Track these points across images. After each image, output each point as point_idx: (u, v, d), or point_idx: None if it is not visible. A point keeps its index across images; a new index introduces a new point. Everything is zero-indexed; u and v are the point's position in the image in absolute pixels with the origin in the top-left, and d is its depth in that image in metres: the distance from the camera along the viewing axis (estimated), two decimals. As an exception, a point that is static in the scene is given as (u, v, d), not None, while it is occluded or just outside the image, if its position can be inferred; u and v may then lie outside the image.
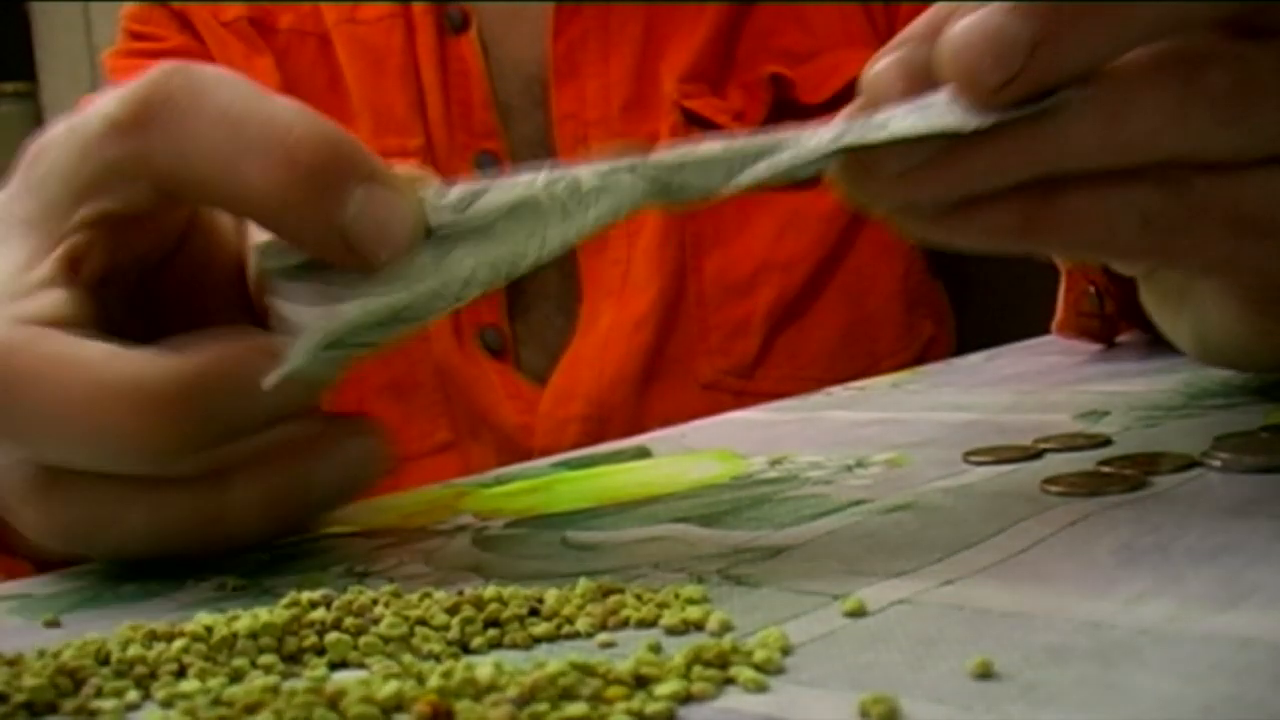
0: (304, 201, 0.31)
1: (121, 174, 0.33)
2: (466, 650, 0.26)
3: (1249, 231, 0.31)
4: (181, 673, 0.25)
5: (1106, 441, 0.36)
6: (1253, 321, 0.37)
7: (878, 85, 0.30)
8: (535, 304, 0.70)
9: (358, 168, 0.31)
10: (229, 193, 0.32)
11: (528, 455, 0.65)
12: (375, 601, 0.27)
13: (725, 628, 0.25)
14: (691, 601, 0.27)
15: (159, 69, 0.33)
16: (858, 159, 0.30)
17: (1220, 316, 0.38)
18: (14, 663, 0.25)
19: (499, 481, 0.43)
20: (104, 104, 0.34)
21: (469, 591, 0.28)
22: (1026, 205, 0.30)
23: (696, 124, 0.68)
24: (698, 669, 0.22)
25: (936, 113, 0.29)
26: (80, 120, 0.34)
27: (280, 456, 0.33)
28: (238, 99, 0.32)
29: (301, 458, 0.34)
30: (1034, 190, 0.30)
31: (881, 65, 0.30)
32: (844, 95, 0.69)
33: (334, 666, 0.26)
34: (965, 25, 0.29)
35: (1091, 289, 0.52)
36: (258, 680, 0.24)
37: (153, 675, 0.25)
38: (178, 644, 0.26)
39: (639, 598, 0.27)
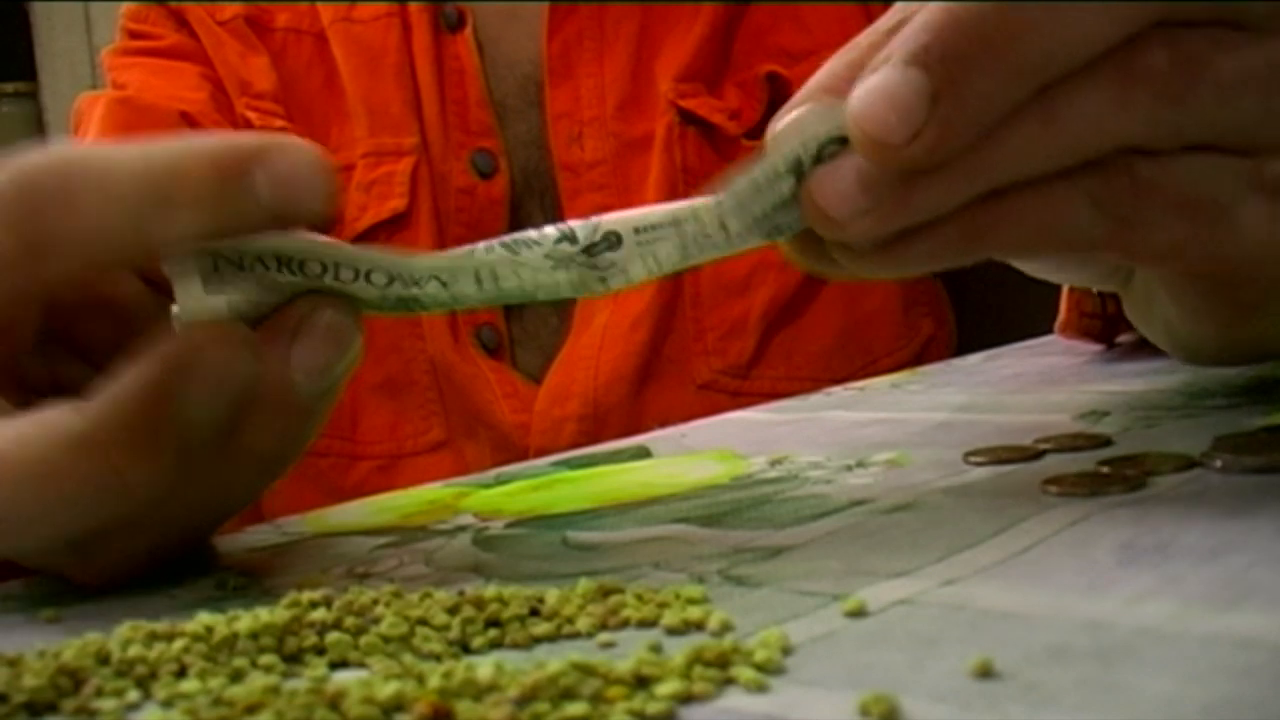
0: (218, 218, 0.31)
1: (13, 305, 0.33)
2: (467, 650, 0.26)
3: (1197, 215, 0.31)
4: (182, 673, 0.25)
5: (1106, 442, 0.36)
6: (1212, 315, 0.37)
7: (777, 144, 0.30)
8: (531, 303, 0.70)
9: (242, 157, 0.31)
10: (151, 252, 0.32)
11: (523, 454, 0.65)
12: (376, 601, 0.27)
13: (725, 628, 0.25)
14: (692, 601, 0.27)
15: (11, 175, 0.32)
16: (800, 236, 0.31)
17: (1182, 317, 0.38)
18: (14, 663, 0.25)
19: (499, 481, 0.43)
20: None
21: (469, 591, 0.28)
22: (970, 216, 0.30)
23: (692, 123, 0.68)
24: (698, 669, 0.22)
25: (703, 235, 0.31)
26: None
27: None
28: (106, 174, 0.31)
29: (272, 358, 0.32)
30: (975, 202, 0.30)
31: (783, 125, 0.31)
32: None
33: (334, 666, 0.26)
34: (865, 89, 0.29)
35: (1095, 289, 0.52)
36: (258, 680, 0.24)
37: (153, 675, 0.25)
38: (178, 644, 0.26)
39: (639, 598, 0.27)
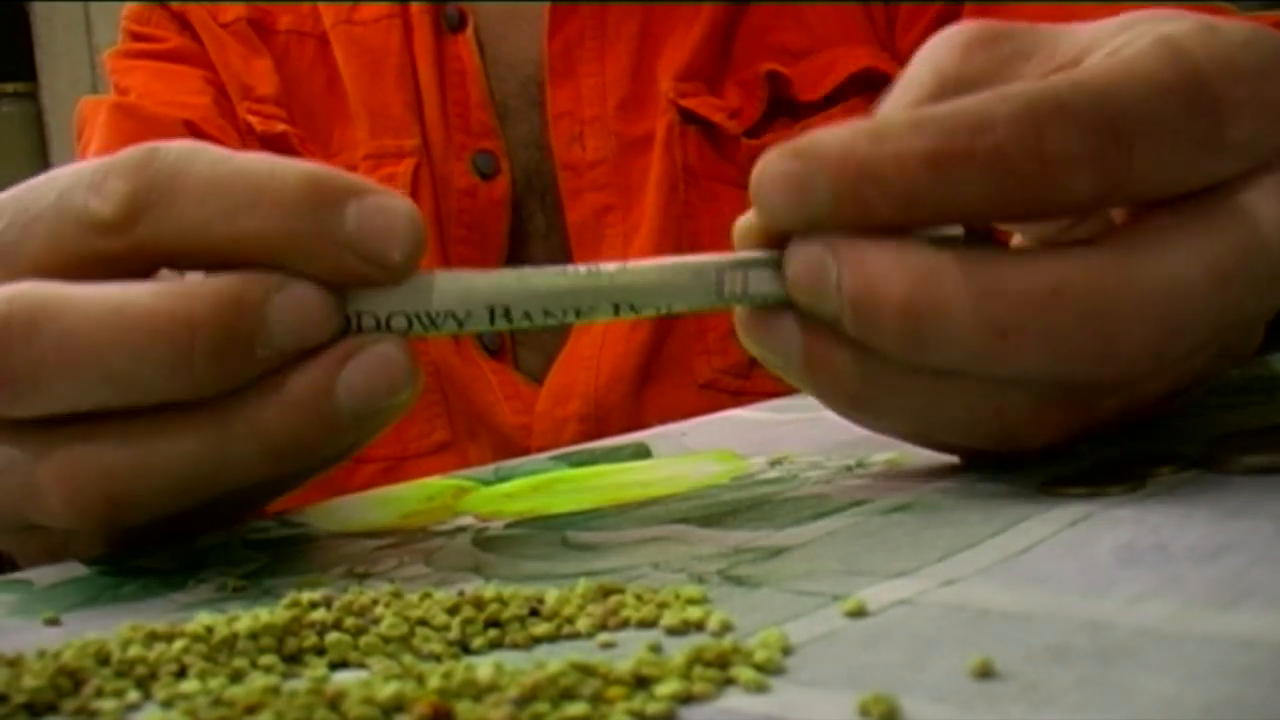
0: (305, 232, 0.31)
1: (110, 268, 0.32)
2: (467, 651, 0.26)
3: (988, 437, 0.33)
4: (182, 673, 0.25)
5: (1107, 442, 0.36)
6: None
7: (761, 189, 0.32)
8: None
9: (344, 188, 0.31)
10: (233, 252, 0.31)
11: (525, 455, 0.65)
12: (376, 602, 0.27)
13: (725, 628, 0.25)
14: (692, 602, 0.27)
15: (130, 154, 0.32)
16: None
17: None
18: (14, 663, 0.25)
19: (498, 475, 0.43)
20: (74, 192, 0.32)
21: (469, 592, 0.28)
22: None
23: (693, 122, 0.69)
24: (698, 669, 0.22)
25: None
26: (45, 204, 0.33)
27: (301, 363, 0.32)
28: (215, 164, 0.32)
29: (323, 362, 0.32)
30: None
31: (769, 174, 0.31)
32: (840, 92, 0.69)
33: (334, 667, 0.26)
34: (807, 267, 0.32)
35: None
36: (258, 681, 0.24)
37: (153, 676, 0.25)
38: (178, 644, 0.26)
39: (639, 598, 0.27)
